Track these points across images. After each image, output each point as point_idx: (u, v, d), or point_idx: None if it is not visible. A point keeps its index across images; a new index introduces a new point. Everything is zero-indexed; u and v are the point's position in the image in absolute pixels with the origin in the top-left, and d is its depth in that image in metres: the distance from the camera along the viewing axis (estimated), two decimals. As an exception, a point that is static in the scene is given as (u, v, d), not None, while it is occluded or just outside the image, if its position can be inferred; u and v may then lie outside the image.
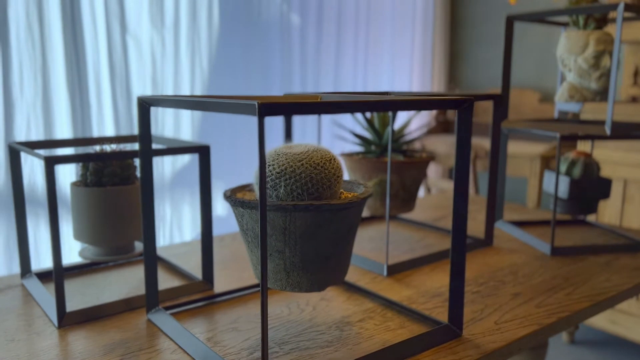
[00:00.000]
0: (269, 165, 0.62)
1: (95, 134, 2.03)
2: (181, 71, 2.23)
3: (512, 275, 0.91)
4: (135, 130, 2.10)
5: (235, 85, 2.41)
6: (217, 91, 2.34)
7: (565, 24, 1.16)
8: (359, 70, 2.95)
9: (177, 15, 2.18)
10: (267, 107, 0.46)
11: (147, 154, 0.69)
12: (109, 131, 2.05)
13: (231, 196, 0.63)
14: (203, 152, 0.80)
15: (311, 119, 2.57)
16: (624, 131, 0.99)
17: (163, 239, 2.24)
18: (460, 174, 0.64)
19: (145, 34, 2.11)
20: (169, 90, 2.20)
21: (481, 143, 2.56)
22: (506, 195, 3.36)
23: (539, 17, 1.06)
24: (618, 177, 1.99)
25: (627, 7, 0.91)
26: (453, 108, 0.62)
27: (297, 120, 2.58)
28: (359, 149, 1.11)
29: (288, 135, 0.97)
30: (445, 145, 2.83)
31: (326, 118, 2.40)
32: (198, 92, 2.29)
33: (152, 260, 0.72)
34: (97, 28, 1.98)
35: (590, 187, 1.07)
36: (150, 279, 0.72)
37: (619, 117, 1.94)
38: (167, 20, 2.16)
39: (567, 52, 1.07)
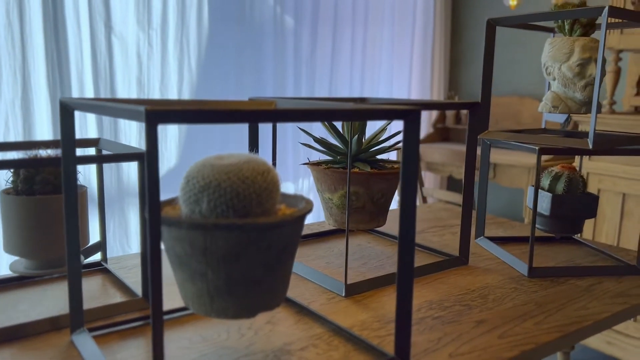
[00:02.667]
0: (193, 178, 0.56)
1: (78, 135, 1.98)
2: (168, 73, 2.19)
3: (481, 299, 0.84)
4: (120, 134, 2.05)
5: (226, 89, 2.36)
6: (206, 94, 2.29)
7: (552, 30, 1.09)
8: (355, 75, 2.89)
9: (165, 15, 2.13)
10: (157, 115, 0.40)
11: (70, 161, 0.63)
12: (92, 134, 2.01)
13: (152, 211, 0.57)
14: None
15: (291, 126, 2.51)
16: (608, 145, 0.91)
17: (128, 247, 2.18)
18: (406, 193, 0.57)
19: (131, 34, 2.06)
20: (155, 93, 2.15)
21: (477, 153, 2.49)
22: (504, 207, 3.29)
23: (521, 21, 1.00)
24: (617, 191, 1.91)
25: (612, 12, 0.84)
26: (399, 119, 0.55)
27: (278, 126, 2.52)
28: (327, 157, 1.04)
29: (253, 144, 0.91)
30: (443, 154, 2.76)
31: (305, 125, 2.34)
32: (186, 94, 2.24)
33: (75, 277, 0.66)
34: (81, 27, 1.94)
35: (574, 204, 1.00)
36: (75, 297, 0.66)
37: (620, 128, 1.86)
38: (154, 20, 2.11)
39: (551, 59, 1.01)
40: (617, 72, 2.04)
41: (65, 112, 0.62)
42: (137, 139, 2.08)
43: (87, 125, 1.99)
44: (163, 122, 0.40)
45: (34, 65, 1.83)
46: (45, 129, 1.88)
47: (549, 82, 1.05)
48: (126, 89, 2.06)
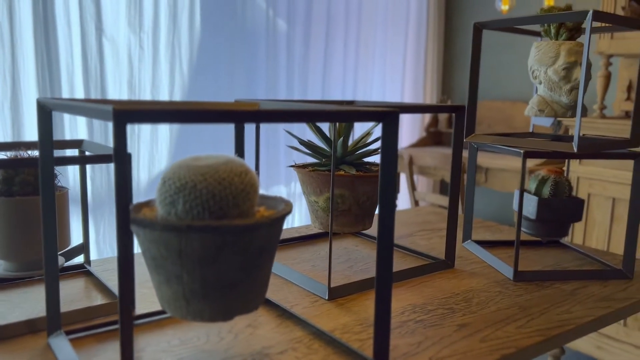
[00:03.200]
0: (169, 179, 0.55)
1: (68, 137, 1.97)
2: (159, 75, 2.18)
3: (465, 302, 0.83)
4: (110, 136, 2.04)
5: (218, 91, 2.36)
6: (197, 97, 2.29)
7: (539, 34, 1.09)
8: (348, 78, 2.89)
9: (156, 17, 2.13)
10: (124, 114, 0.39)
11: (48, 161, 0.63)
12: (82, 135, 2.00)
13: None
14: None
15: (282, 128, 2.50)
16: (593, 149, 0.91)
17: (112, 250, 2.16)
18: (385, 194, 0.57)
19: (122, 36, 2.06)
20: (146, 95, 2.14)
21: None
22: (495, 211, 3.29)
23: (507, 25, 1.00)
24: (607, 195, 1.92)
25: (597, 16, 0.84)
26: (376, 120, 0.55)
27: (271, 126, 2.52)
28: (314, 160, 1.04)
29: (239, 145, 0.91)
30: (435, 158, 2.76)
31: (294, 127, 2.33)
32: (177, 97, 2.23)
33: (52, 279, 0.65)
34: (72, 28, 1.93)
35: (560, 208, 1.00)
36: (52, 300, 0.66)
37: (610, 133, 1.86)
38: (146, 22, 2.11)
39: (538, 63, 1.01)
40: (608, 77, 2.05)
41: (43, 112, 0.61)
42: (129, 141, 2.07)
43: (77, 127, 1.98)
44: (131, 122, 0.39)
45: (23, 67, 1.82)
46: (35, 130, 1.87)
47: (536, 86, 1.05)
48: (117, 91, 2.05)
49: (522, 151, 0.92)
